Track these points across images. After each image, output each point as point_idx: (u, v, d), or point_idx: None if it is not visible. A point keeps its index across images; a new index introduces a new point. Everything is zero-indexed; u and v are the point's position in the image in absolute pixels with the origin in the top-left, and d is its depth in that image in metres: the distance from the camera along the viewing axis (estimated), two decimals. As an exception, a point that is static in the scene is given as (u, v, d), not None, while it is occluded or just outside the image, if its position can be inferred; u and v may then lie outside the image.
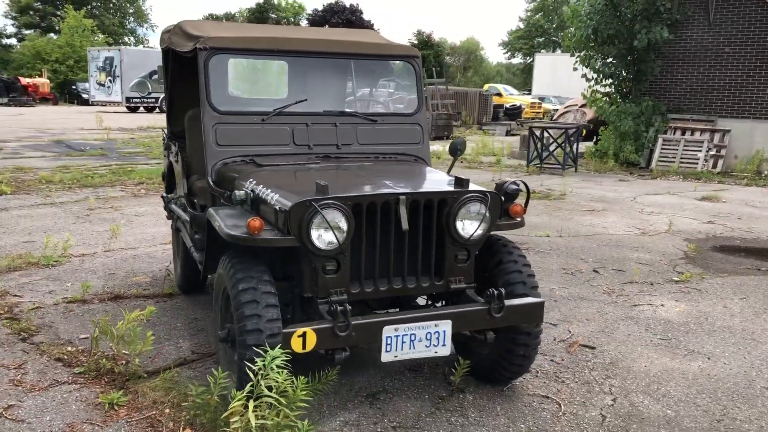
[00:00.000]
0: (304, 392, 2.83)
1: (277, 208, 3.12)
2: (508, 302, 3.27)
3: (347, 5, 61.55)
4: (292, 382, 2.78)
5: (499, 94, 34.86)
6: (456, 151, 4.44)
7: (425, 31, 66.19)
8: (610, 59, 15.34)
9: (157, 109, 31.83)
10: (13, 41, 54.19)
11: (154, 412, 3.30)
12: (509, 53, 67.30)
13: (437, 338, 3.13)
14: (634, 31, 14.57)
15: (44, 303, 4.88)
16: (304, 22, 64.66)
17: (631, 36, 14.64)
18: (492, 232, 3.69)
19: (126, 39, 56.44)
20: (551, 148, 14.39)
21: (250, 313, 2.97)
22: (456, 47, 70.97)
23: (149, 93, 32.15)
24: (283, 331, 2.88)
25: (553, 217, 8.81)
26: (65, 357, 3.95)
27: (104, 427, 3.19)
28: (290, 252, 3.24)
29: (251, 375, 2.70)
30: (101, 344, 3.93)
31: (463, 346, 3.81)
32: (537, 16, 61.38)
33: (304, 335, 2.88)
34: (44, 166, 12.58)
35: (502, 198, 3.48)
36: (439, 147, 17.52)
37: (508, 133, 25.11)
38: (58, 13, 48.55)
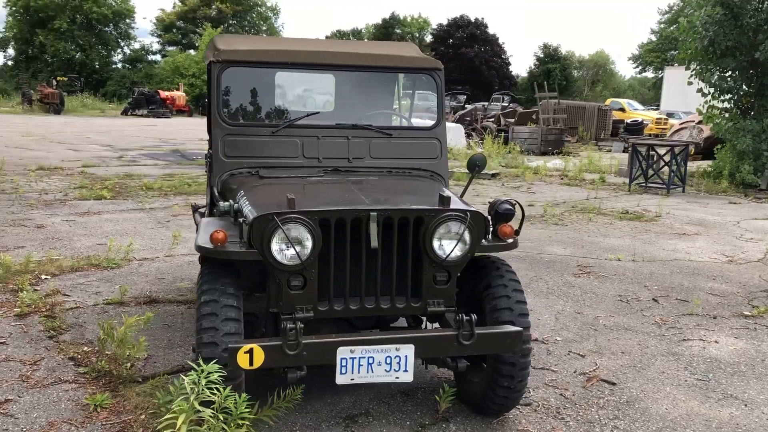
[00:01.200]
0: (247, 410, 2.78)
1: (241, 220, 3.10)
2: (480, 329, 3.06)
3: (472, 19, 61.43)
4: (234, 398, 2.75)
5: (622, 109, 33.40)
6: (474, 167, 4.25)
7: (552, 44, 64.71)
8: (729, 72, 14.28)
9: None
10: (157, 57, 58.43)
11: (130, 417, 3.36)
12: (640, 67, 64.39)
13: (398, 363, 2.98)
14: (756, 42, 13.49)
15: (85, 303, 5.13)
16: (429, 38, 65.16)
17: (753, 47, 13.56)
18: (489, 254, 3.52)
19: (258, 54, 59.18)
20: (660, 165, 13.54)
21: (208, 325, 2.96)
22: (584, 60, 68.87)
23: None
24: (229, 346, 2.83)
25: (636, 240, 8.26)
26: (78, 356, 4.12)
27: (80, 428, 3.29)
28: (263, 266, 3.21)
29: (188, 388, 2.68)
30: (110, 347, 4.06)
31: (459, 373, 3.62)
32: (671, 28, 58.36)
33: (250, 351, 2.82)
34: (152, 174, 13.34)
35: (488, 218, 3.28)
36: (539, 162, 17.01)
37: (625, 150, 23.93)
38: (198, 30, 51.80)
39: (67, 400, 3.57)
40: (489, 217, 3.31)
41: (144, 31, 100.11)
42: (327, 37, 62.27)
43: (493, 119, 26.01)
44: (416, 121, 5.10)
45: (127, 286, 5.44)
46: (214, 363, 2.82)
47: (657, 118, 31.48)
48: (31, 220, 8.25)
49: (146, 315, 3.87)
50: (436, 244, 3.14)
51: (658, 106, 40.76)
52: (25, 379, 3.82)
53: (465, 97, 30.11)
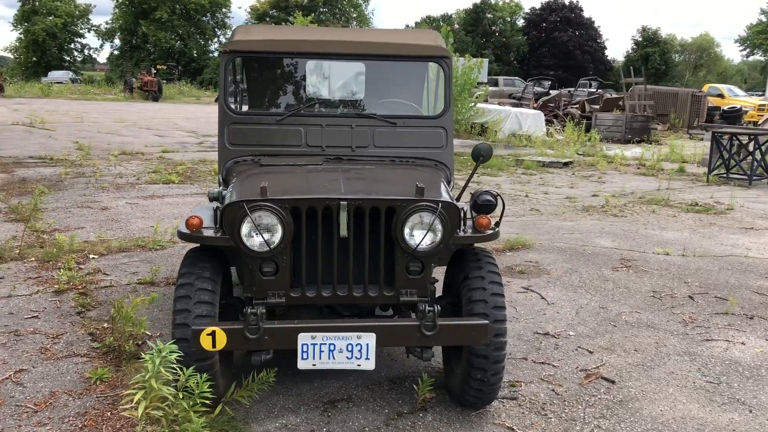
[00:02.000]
0: (209, 390, 2.89)
1: (215, 207, 3.20)
2: (443, 321, 3.05)
3: (566, 2, 59.72)
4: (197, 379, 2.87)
5: (721, 95, 31.67)
6: (479, 156, 4.20)
7: (651, 27, 61.93)
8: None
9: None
10: (252, 45, 60.04)
11: (124, 392, 3.55)
12: (747, 50, 60.61)
13: (359, 351, 3.01)
14: None
15: (119, 282, 5.42)
16: (521, 22, 63.88)
17: None
18: (473, 244, 3.49)
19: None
20: (745, 155, 12.78)
21: (181, 307, 3.09)
22: (686, 44, 65.63)
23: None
24: (192, 328, 2.95)
25: (695, 234, 7.87)
26: (97, 332, 4.37)
27: (77, 398, 3.50)
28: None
29: (148, 366, 2.81)
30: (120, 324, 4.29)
31: (445, 363, 3.63)
32: (784, 7, 54.65)
33: (213, 334, 2.92)
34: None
35: (462, 209, 3.24)
36: (616, 151, 16.41)
37: (717, 138, 22.70)
38: (289, 19, 52.90)
39: (74, 373, 3.81)
40: (463, 208, 3.28)
41: (239, 20, 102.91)
42: (416, 24, 62.16)
43: (577, 105, 25.27)
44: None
45: (163, 267, 5.71)
46: (184, 343, 2.96)
47: (760, 105, 29.69)
48: (98, 203, 8.74)
49: (151, 295, 4.07)
50: (407, 233, 3.13)
51: (764, 91, 38.44)
52: (43, 351, 4.09)
53: (549, 82, 29.36)
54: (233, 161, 4.11)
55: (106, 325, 4.49)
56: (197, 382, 2.87)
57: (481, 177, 12.26)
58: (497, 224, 3.33)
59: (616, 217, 8.88)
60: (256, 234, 3.06)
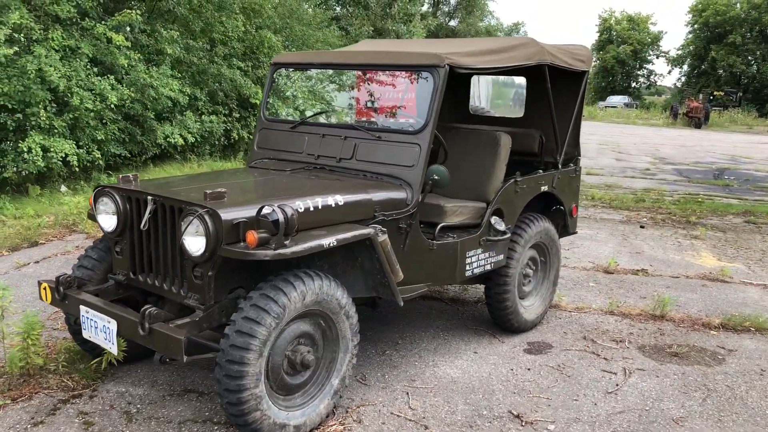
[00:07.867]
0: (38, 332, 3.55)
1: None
2: (155, 326, 2.96)
3: None
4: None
5: None
6: (429, 179, 3.62)
7: None
8: None
9: None
10: None
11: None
12: None
13: (108, 334, 3.18)
14: None
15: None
16: None
17: None
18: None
19: None
20: None
21: (73, 267, 3.78)
22: None
23: None
24: (39, 279, 3.61)
25: None
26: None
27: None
28: None
29: None
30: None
31: None
32: None
33: (45, 289, 3.53)
34: (632, 187, 12.87)
35: (224, 219, 3.00)
36: None
37: None
38: None
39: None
40: (240, 221, 3.05)
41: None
42: None
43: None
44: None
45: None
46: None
47: None
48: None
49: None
50: (184, 237, 3.12)
51: None
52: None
53: None
54: (254, 162, 4.52)
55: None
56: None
57: None
58: (267, 242, 2.95)
59: None
60: (102, 216, 3.52)
